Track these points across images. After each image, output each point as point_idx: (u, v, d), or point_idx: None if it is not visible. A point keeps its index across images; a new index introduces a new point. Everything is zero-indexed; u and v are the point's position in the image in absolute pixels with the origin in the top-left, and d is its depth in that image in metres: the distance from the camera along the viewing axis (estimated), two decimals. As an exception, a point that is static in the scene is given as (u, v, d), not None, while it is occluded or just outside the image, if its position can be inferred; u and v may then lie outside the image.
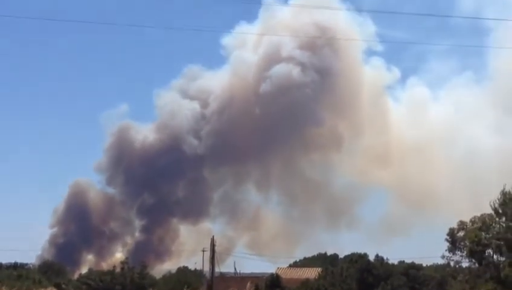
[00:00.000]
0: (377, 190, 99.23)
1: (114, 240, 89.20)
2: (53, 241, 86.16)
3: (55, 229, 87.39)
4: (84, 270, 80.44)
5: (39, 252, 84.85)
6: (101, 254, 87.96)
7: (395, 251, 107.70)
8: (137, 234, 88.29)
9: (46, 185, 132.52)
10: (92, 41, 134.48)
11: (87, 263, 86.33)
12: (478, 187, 78.16)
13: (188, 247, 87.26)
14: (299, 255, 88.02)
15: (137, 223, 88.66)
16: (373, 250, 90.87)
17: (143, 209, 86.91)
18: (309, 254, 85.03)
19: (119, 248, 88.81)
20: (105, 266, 77.04)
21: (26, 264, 73.29)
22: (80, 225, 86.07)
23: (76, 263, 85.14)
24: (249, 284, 59.44)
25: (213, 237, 62.79)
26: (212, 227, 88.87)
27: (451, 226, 48.45)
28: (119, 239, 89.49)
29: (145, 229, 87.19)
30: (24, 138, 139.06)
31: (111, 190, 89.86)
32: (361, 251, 59.41)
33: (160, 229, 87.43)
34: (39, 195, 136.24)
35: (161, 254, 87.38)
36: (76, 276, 73.02)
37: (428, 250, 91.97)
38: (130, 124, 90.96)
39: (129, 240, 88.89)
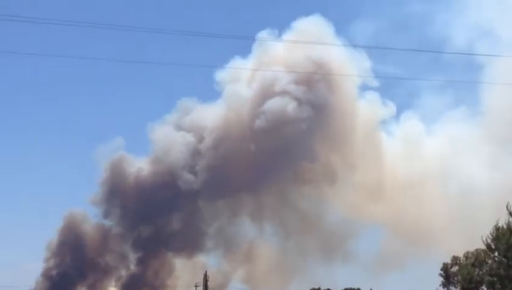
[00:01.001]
0: (371, 225, 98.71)
1: (108, 273, 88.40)
2: (46, 275, 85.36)
3: (48, 262, 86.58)
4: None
5: (32, 287, 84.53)
6: (95, 288, 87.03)
7: (390, 286, 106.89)
8: (132, 267, 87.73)
9: (38, 218, 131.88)
10: (87, 75, 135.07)
11: None
12: (473, 222, 77.63)
13: (182, 281, 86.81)
14: (294, 289, 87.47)
15: (132, 256, 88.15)
16: (368, 285, 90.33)
17: (138, 243, 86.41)
18: (304, 289, 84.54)
19: (113, 282, 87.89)
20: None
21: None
22: (74, 258, 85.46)
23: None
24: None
25: (206, 272, 62.13)
26: (207, 260, 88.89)
27: (445, 261, 47.93)
28: (113, 272, 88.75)
29: (140, 263, 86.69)
30: (15, 171, 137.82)
31: (106, 222, 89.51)
32: (355, 285, 58.80)
33: (155, 262, 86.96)
34: (32, 229, 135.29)
35: (156, 288, 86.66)
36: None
37: (423, 285, 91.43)
38: (125, 156, 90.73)
39: (124, 273, 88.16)
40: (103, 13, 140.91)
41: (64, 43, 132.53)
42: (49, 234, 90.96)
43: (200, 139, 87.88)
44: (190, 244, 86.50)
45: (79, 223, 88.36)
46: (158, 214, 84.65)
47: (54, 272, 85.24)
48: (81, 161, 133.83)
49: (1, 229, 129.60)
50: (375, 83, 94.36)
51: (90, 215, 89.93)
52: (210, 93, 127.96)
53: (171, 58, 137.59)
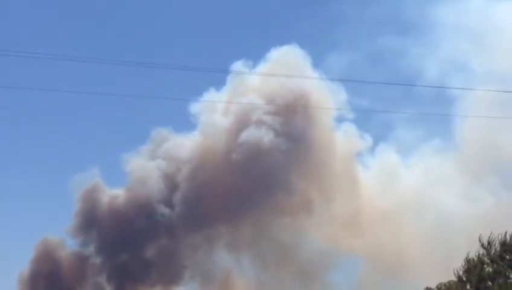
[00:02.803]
0: (348, 257, 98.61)
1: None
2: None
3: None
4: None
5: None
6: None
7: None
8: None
9: (9, 251, 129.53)
10: (62, 107, 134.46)
11: None
12: (448, 254, 77.93)
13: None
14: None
15: (108, 287, 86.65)
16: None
17: (114, 275, 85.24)
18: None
19: None
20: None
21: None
22: (48, 287, 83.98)
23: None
24: None
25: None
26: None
27: (419, 293, 47.87)
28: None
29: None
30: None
31: (82, 250, 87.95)
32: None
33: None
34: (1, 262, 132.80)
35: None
36: None
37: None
38: (99, 184, 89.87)
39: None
40: (81, 46, 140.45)
41: (35, 74, 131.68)
42: (21, 265, 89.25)
43: (176, 169, 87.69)
44: (166, 275, 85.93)
45: (54, 250, 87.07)
46: (133, 244, 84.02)
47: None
48: (55, 193, 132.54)
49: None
50: (350, 115, 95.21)
51: (66, 244, 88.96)
52: (185, 124, 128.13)
53: (144, 91, 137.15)
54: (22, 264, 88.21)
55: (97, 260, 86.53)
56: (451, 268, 43.24)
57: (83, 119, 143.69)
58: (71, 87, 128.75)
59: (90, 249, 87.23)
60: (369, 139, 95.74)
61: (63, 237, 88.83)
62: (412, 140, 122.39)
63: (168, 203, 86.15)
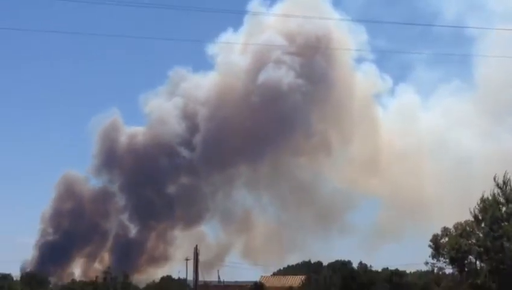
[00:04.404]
0: (366, 197, 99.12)
1: (106, 238, 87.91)
2: (41, 245, 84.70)
3: (43, 233, 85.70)
4: (76, 271, 79.62)
5: (24, 261, 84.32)
6: (92, 256, 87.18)
7: (385, 258, 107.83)
8: (130, 237, 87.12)
9: (28, 192, 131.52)
10: (80, 49, 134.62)
11: (79, 263, 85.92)
12: (466, 194, 77.89)
13: (182, 252, 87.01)
14: (291, 261, 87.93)
15: (131, 227, 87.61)
16: (364, 257, 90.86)
17: (137, 213, 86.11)
18: (299, 260, 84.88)
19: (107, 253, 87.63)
20: (97, 266, 76.51)
21: (8, 274, 72.58)
22: (72, 219, 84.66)
23: (66, 266, 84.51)
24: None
25: (196, 246, 62.33)
26: (205, 231, 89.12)
27: (435, 233, 48.19)
28: (110, 238, 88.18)
29: (139, 233, 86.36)
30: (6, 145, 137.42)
31: (104, 185, 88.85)
32: (350, 258, 59.35)
33: (153, 233, 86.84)
34: (21, 203, 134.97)
35: (154, 257, 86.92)
36: (66, 280, 72.28)
37: (416, 257, 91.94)
38: (119, 125, 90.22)
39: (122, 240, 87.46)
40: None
41: (58, 18, 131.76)
42: (42, 207, 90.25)
43: (195, 109, 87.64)
44: (188, 214, 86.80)
45: (76, 186, 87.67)
46: (156, 185, 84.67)
47: (49, 241, 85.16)
48: (75, 134, 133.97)
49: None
50: (370, 56, 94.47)
51: (88, 182, 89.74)
52: (203, 66, 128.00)
53: (163, 33, 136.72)
54: (43, 205, 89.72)
55: (120, 198, 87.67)
56: (469, 209, 43.35)
57: (102, 61, 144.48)
58: (90, 30, 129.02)
59: (113, 186, 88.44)
60: (389, 80, 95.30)
61: (85, 175, 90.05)
62: (431, 81, 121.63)
63: (188, 143, 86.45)
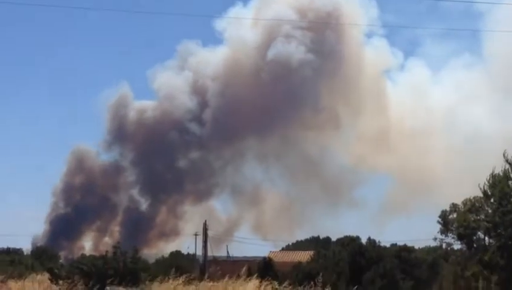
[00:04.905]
0: (375, 172, 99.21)
1: (115, 213, 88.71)
2: (52, 218, 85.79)
3: (54, 207, 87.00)
4: (87, 245, 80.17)
5: (35, 235, 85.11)
6: (102, 230, 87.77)
7: (394, 234, 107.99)
8: (140, 211, 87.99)
9: (38, 168, 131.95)
10: (88, 25, 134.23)
11: (90, 237, 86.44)
12: (477, 170, 77.61)
13: (191, 226, 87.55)
14: (300, 236, 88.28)
15: (142, 201, 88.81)
16: (372, 232, 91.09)
17: (147, 187, 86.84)
18: (308, 236, 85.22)
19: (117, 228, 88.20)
20: (108, 241, 77.07)
21: (19, 249, 73.45)
22: (81, 199, 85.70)
23: (77, 239, 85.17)
24: (245, 267, 59.19)
25: (205, 221, 62.68)
26: (215, 206, 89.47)
27: (444, 209, 48.07)
28: (119, 212, 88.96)
29: (149, 207, 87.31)
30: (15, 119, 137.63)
31: (113, 160, 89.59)
32: (359, 233, 59.36)
33: (163, 207, 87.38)
34: (32, 179, 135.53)
35: (164, 233, 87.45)
36: (76, 254, 72.90)
37: (424, 233, 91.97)
38: (128, 99, 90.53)
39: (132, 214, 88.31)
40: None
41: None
42: (50, 181, 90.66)
43: (204, 84, 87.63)
44: (198, 188, 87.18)
45: (86, 159, 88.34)
46: (166, 156, 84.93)
47: (61, 215, 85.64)
48: (85, 107, 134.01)
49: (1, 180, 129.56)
50: (381, 31, 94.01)
51: (99, 155, 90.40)
52: (212, 41, 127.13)
53: (171, 8, 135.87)
54: (54, 180, 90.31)
55: (130, 172, 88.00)
56: (478, 184, 43.30)
57: (111, 36, 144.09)
58: (98, 5, 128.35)
59: (124, 160, 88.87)
60: (399, 55, 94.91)
61: (95, 149, 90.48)
62: (441, 55, 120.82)
63: (198, 119, 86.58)
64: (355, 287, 34.40)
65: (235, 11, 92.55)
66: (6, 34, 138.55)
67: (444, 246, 47.69)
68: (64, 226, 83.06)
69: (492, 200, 39.43)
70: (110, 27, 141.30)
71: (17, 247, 75.15)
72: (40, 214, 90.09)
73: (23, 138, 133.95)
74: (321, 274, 25.66)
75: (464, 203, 45.87)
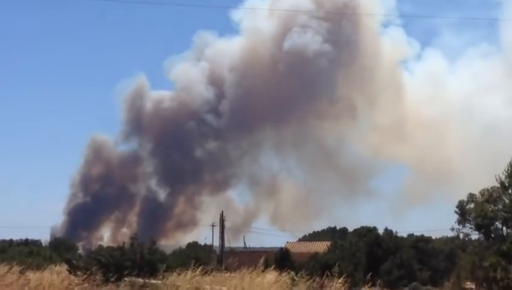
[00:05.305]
0: (392, 163, 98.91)
1: (134, 207, 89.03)
2: (71, 209, 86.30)
3: (72, 198, 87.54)
4: (105, 235, 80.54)
5: (54, 226, 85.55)
6: (120, 221, 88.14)
7: (411, 224, 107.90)
8: (158, 202, 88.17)
9: (55, 161, 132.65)
10: (104, 17, 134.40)
11: (108, 228, 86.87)
12: (495, 160, 77.29)
13: (208, 217, 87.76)
14: (317, 227, 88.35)
15: (160, 191, 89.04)
16: (389, 223, 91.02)
17: (165, 178, 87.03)
18: (325, 226, 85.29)
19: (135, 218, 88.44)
20: (125, 231, 77.48)
21: (38, 240, 74.02)
22: (100, 189, 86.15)
23: (95, 230, 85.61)
24: (262, 258, 59.21)
25: (222, 212, 62.84)
26: (233, 197, 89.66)
27: (461, 199, 47.88)
28: (137, 202, 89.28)
29: (167, 198, 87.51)
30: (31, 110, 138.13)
31: (131, 151, 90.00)
32: (376, 224, 59.35)
33: (181, 198, 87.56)
34: (50, 171, 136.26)
35: (182, 223, 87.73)
36: (94, 245, 73.36)
37: (441, 223, 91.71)
38: (145, 89, 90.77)
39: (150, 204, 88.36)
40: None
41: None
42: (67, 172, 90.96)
43: (221, 75, 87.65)
44: (215, 178, 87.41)
45: (104, 148, 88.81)
46: (184, 150, 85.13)
47: (79, 205, 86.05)
48: (102, 98, 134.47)
49: (20, 173, 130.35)
50: (397, 21, 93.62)
51: (116, 146, 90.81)
52: (228, 30, 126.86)
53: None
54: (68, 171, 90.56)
55: (148, 162, 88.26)
56: (495, 175, 43.14)
57: (127, 27, 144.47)
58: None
59: (142, 151, 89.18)
60: (416, 45, 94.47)
61: (112, 139, 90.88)
62: (458, 45, 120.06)
63: (215, 110, 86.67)
64: (369, 274, 34.39)
65: (252, 1, 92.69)
66: (27, 22, 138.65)
67: (461, 236, 47.53)
68: (83, 217, 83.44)
69: (510, 191, 39.31)
70: (126, 18, 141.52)
71: (36, 238, 75.88)
72: (59, 206, 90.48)
73: (40, 129, 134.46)
74: (337, 264, 25.59)
75: (482, 193, 45.68)
